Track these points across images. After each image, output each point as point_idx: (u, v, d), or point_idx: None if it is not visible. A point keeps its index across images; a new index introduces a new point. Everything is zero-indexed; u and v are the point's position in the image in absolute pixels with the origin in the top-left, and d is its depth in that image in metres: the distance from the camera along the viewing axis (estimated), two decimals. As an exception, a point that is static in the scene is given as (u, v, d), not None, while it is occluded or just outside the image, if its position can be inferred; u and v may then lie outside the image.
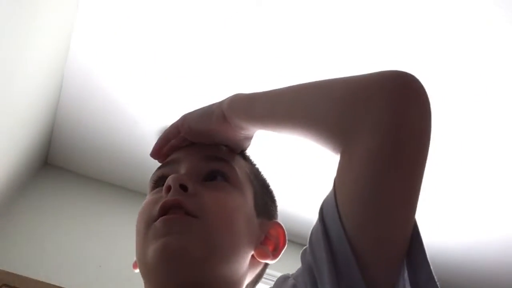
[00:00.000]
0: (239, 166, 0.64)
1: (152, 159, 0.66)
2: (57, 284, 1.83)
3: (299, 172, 2.20)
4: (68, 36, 1.75)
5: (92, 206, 2.30)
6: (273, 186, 0.71)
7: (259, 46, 1.68)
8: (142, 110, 2.02)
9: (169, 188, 0.56)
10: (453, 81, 1.68)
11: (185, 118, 0.65)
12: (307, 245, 0.50)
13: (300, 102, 0.53)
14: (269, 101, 0.57)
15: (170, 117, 2.14)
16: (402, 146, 0.44)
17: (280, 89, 0.56)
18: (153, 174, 0.65)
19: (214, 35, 1.69)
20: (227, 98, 0.63)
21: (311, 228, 0.51)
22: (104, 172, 2.38)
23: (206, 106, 0.66)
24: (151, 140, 2.15)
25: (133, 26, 1.70)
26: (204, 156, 0.62)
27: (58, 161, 2.37)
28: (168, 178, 0.57)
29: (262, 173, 0.71)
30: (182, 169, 0.61)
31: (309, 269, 0.48)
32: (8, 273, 1.66)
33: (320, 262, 0.46)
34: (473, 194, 2.09)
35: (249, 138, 0.65)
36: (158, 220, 0.54)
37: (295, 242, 2.55)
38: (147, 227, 0.56)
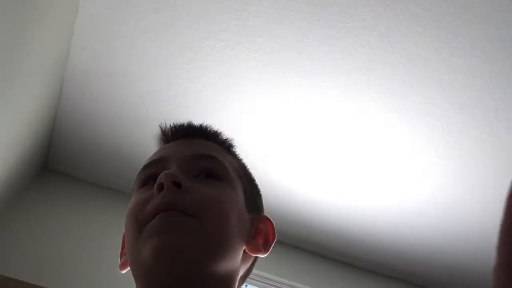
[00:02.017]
0: (228, 162, 0.63)
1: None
2: (57, 289, 1.83)
3: (293, 169, 2.20)
4: (68, 40, 1.76)
5: (92, 210, 2.30)
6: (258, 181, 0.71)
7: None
8: (142, 114, 2.02)
9: (161, 186, 0.54)
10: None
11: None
12: None
13: None
14: None
15: (169, 122, 2.14)
16: None
17: None
18: (140, 172, 0.63)
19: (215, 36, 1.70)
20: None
21: None
22: (104, 176, 2.38)
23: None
24: (150, 145, 2.14)
25: (132, 28, 1.70)
26: (193, 154, 0.61)
27: (58, 166, 2.37)
28: (160, 175, 0.55)
29: (248, 168, 0.70)
30: (172, 167, 0.59)
31: None
32: (7, 278, 1.66)
33: None
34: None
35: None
36: (156, 217, 0.53)
37: (285, 243, 2.57)
38: (140, 227, 0.54)
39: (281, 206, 2.33)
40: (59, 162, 2.35)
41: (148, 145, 2.13)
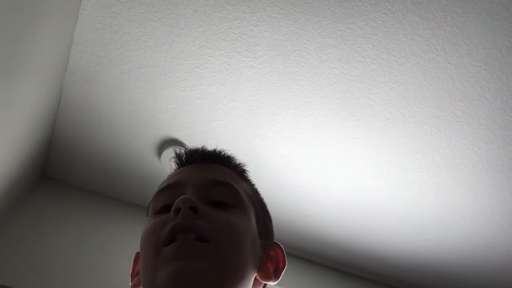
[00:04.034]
0: (242, 188, 0.64)
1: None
2: (54, 298, 1.81)
3: (296, 183, 2.20)
4: (67, 48, 1.76)
5: (90, 219, 2.29)
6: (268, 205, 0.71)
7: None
8: (140, 123, 2.02)
9: (178, 210, 0.55)
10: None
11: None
12: None
13: None
14: None
15: (168, 130, 2.16)
16: None
17: None
18: (156, 195, 0.64)
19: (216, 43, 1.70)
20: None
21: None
22: (102, 185, 2.37)
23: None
24: (149, 153, 2.15)
25: (131, 37, 1.71)
26: (208, 180, 0.62)
27: (56, 174, 2.37)
28: (178, 200, 0.56)
29: (259, 193, 0.71)
30: (188, 192, 0.60)
31: None
32: (4, 287, 1.65)
33: None
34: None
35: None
36: (169, 247, 0.54)
37: (292, 254, 2.56)
38: (157, 251, 0.55)
39: (285, 215, 2.33)
40: (57, 170, 2.35)
41: (146, 153, 2.15)
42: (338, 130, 1.91)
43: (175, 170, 0.71)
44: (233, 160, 0.71)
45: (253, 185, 0.71)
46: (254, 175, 0.72)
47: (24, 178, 2.11)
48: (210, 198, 0.60)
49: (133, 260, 0.68)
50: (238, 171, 0.70)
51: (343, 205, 2.25)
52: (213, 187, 0.62)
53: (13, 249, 2.03)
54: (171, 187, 0.63)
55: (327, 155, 2.03)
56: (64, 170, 2.34)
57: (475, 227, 2.22)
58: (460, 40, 1.55)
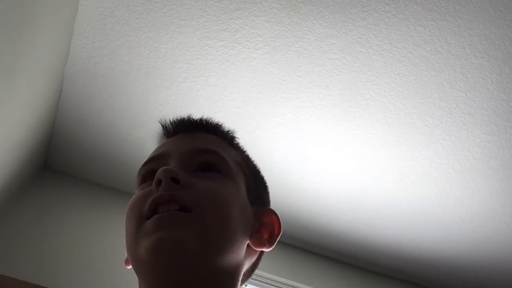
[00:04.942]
0: (229, 156, 0.63)
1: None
2: (56, 288, 1.82)
3: (291, 173, 2.20)
4: (68, 40, 1.75)
5: (92, 209, 2.30)
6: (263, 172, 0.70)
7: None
8: (141, 114, 2.02)
9: (159, 182, 0.54)
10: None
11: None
12: None
13: None
14: None
15: (170, 117, 2.14)
16: None
17: None
18: (141, 168, 0.63)
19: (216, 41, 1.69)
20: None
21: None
22: (103, 176, 2.38)
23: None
24: (149, 144, 2.15)
25: (132, 28, 1.70)
26: (193, 149, 0.61)
27: (58, 165, 2.37)
28: (158, 171, 0.55)
29: (252, 159, 0.69)
30: (172, 163, 0.59)
31: None
32: (6, 277, 1.66)
33: None
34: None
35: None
36: (149, 220, 0.53)
37: (285, 243, 2.57)
38: (138, 225, 0.54)
39: (285, 205, 2.33)
40: (58, 161, 2.35)
41: (147, 144, 2.15)
42: (340, 122, 1.91)
43: (162, 142, 0.69)
44: (220, 127, 0.69)
45: (244, 152, 0.69)
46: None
47: (26, 168, 2.11)
48: (195, 167, 0.59)
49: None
50: (227, 138, 0.68)
51: (344, 196, 2.25)
52: (197, 156, 0.60)
53: (15, 238, 2.04)
54: (156, 159, 0.62)
55: (328, 147, 2.02)
56: (65, 161, 2.34)
57: (476, 219, 2.22)
58: (462, 30, 1.54)
